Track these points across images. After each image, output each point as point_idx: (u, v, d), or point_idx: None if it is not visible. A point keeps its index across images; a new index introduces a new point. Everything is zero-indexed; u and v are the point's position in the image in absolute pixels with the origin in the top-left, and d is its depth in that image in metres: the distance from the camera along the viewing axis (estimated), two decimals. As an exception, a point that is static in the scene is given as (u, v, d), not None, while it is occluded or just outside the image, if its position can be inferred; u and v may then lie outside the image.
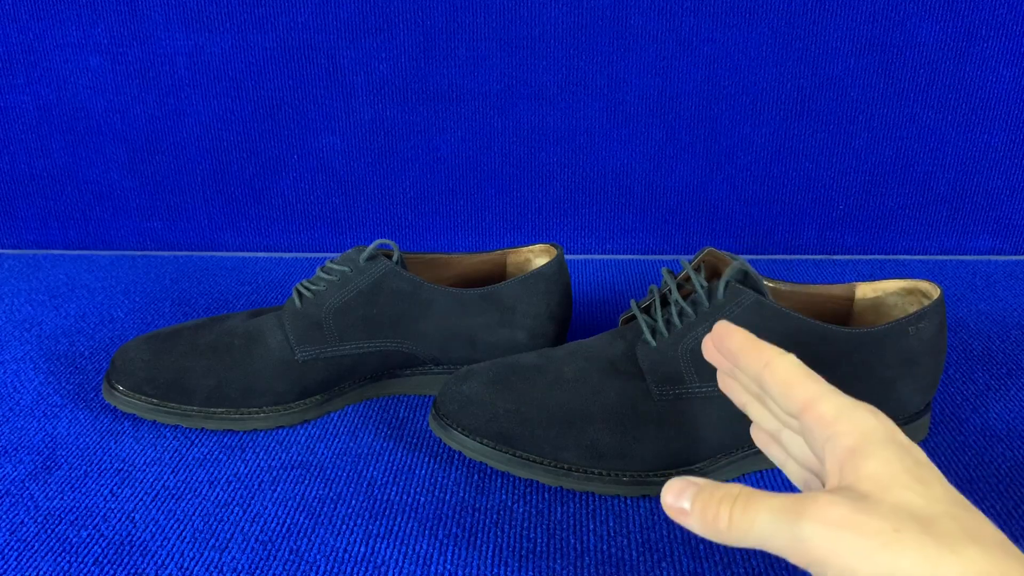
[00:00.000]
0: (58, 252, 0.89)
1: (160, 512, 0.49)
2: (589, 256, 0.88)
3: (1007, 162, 0.83)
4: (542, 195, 0.86)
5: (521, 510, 0.49)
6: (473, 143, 0.84)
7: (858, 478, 0.30)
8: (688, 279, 0.54)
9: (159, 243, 0.90)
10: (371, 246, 0.58)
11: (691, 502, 0.32)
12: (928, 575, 0.27)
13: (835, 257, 0.88)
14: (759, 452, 0.51)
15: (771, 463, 0.52)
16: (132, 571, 0.44)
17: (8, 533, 0.47)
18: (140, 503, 0.50)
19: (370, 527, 0.48)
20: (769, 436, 0.40)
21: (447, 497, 0.50)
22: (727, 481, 0.51)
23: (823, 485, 0.36)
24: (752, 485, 0.51)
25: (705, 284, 0.51)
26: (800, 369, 0.34)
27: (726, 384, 0.41)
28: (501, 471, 0.52)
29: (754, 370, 0.35)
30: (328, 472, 0.53)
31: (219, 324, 0.59)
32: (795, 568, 0.45)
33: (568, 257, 0.88)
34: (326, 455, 0.54)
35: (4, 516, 0.49)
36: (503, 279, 0.65)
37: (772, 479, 0.52)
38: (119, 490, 0.51)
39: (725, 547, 0.46)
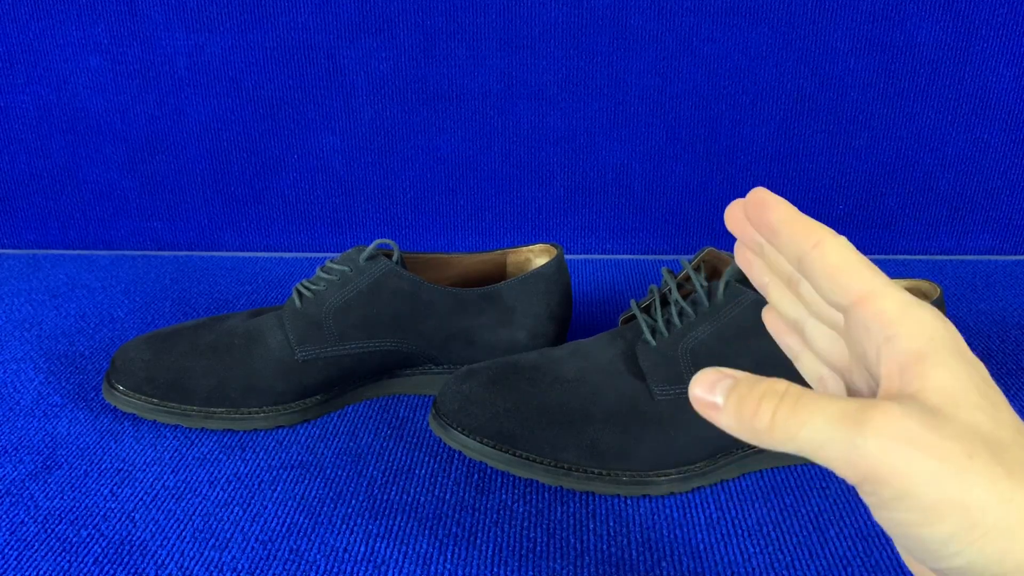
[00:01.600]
0: (58, 252, 0.89)
1: (160, 512, 0.49)
2: (589, 256, 0.88)
3: (1007, 162, 0.83)
4: (542, 195, 0.86)
5: (521, 510, 0.49)
6: (473, 143, 0.84)
7: (924, 388, 0.27)
8: (688, 279, 0.54)
9: (159, 243, 0.90)
10: (371, 246, 0.58)
11: (725, 395, 0.28)
12: (998, 509, 0.25)
13: (835, 257, 0.88)
14: (761, 451, 0.51)
15: (773, 462, 0.52)
16: (132, 571, 0.44)
17: (8, 533, 0.47)
18: (140, 503, 0.50)
19: (370, 527, 0.48)
20: (785, 323, 0.36)
21: (447, 497, 0.50)
22: (729, 480, 0.51)
23: (845, 386, 0.33)
24: (755, 484, 0.51)
25: (705, 284, 0.51)
26: (856, 255, 0.29)
27: (744, 258, 0.35)
28: (501, 471, 0.52)
29: (798, 250, 0.30)
30: (328, 472, 0.53)
31: (219, 324, 0.59)
32: (798, 566, 0.45)
33: (568, 257, 0.88)
34: (326, 455, 0.54)
35: (4, 516, 0.49)
36: (503, 279, 0.65)
37: (774, 477, 0.52)
38: (119, 490, 0.51)
39: (725, 547, 0.46)
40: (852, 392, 0.33)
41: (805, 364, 0.35)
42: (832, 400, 0.27)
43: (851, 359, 0.32)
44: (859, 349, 0.30)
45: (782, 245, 0.30)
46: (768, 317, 0.37)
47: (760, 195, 0.30)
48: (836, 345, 0.33)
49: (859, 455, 0.26)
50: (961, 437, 0.25)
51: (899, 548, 0.28)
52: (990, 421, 0.26)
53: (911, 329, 0.27)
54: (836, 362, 0.33)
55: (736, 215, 0.33)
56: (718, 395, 0.28)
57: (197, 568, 0.45)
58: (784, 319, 0.35)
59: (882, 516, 0.27)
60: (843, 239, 0.29)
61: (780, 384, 0.28)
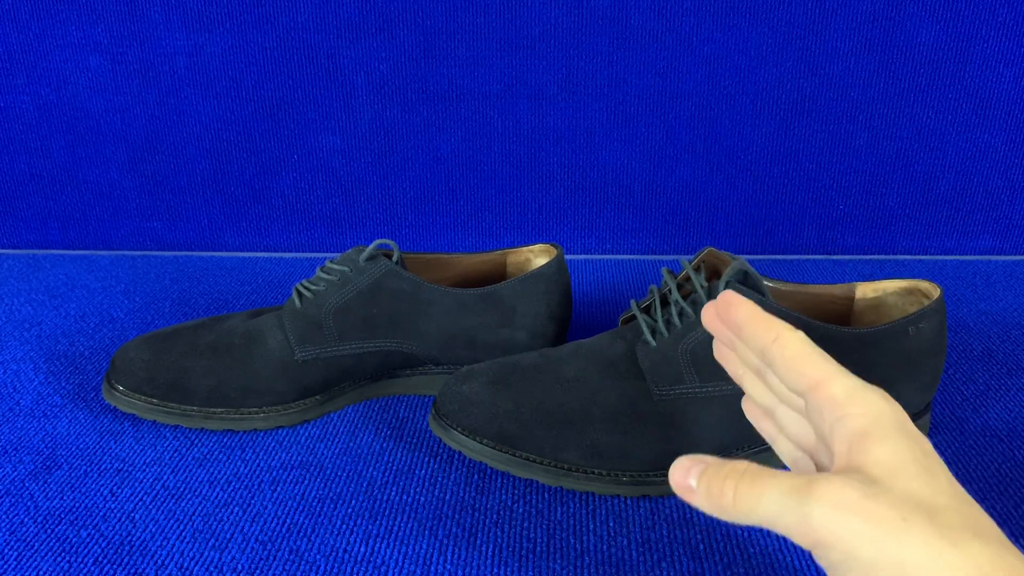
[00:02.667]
0: (58, 252, 0.89)
1: (160, 512, 0.49)
2: (589, 256, 0.88)
3: (1007, 162, 0.83)
4: (542, 195, 0.86)
5: (521, 510, 0.49)
6: (473, 143, 0.84)
7: (867, 462, 0.30)
8: (688, 279, 0.54)
9: (159, 243, 0.90)
10: (371, 246, 0.58)
11: (697, 479, 0.32)
12: (931, 566, 0.27)
13: (835, 257, 0.88)
14: (760, 452, 0.51)
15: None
16: (132, 571, 0.44)
17: (8, 533, 0.47)
18: (140, 503, 0.50)
19: (370, 527, 0.48)
20: (761, 411, 0.40)
21: (447, 497, 0.50)
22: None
23: (815, 464, 0.36)
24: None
25: (705, 284, 0.51)
26: (810, 346, 0.33)
27: (722, 354, 0.40)
28: (501, 471, 0.52)
29: (761, 344, 0.34)
30: (328, 472, 0.53)
31: (219, 324, 0.59)
32: (798, 565, 0.45)
33: (568, 257, 0.88)
34: (326, 455, 0.54)
35: (4, 516, 0.49)
36: (503, 279, 0.65)
37: (772, 479, 0.52)
38: (119, 490, 0.51)
39: (725, 547, 0.46)
40: (820, 470, 0.36)
41: (782, 447, 0.39)
42: (785, 476, 0.30)
43: (816, 439, 0.36)
44: (818, 430, 0.33)
45: (749, 340, 0.35)
46: (746, 405, 0.41)
47: (728, 296, 0.35)
48: (803, 428, 0.37)
49: (807, 523, 0.29)
50: (896, 504, 0.28)
51: None
52: (926, 488, 0.29)
53: (858, 410, 0.31)
54: (805, 444, 0.37)
55: (711, 314, 0.37)
56: (692, 479, 0.32)
57: (197, 568, 0.45)
58: (759, 406, 0.39)
59: None
60: (800, 333, 0.34)
61: (741, 464, 0.31)
